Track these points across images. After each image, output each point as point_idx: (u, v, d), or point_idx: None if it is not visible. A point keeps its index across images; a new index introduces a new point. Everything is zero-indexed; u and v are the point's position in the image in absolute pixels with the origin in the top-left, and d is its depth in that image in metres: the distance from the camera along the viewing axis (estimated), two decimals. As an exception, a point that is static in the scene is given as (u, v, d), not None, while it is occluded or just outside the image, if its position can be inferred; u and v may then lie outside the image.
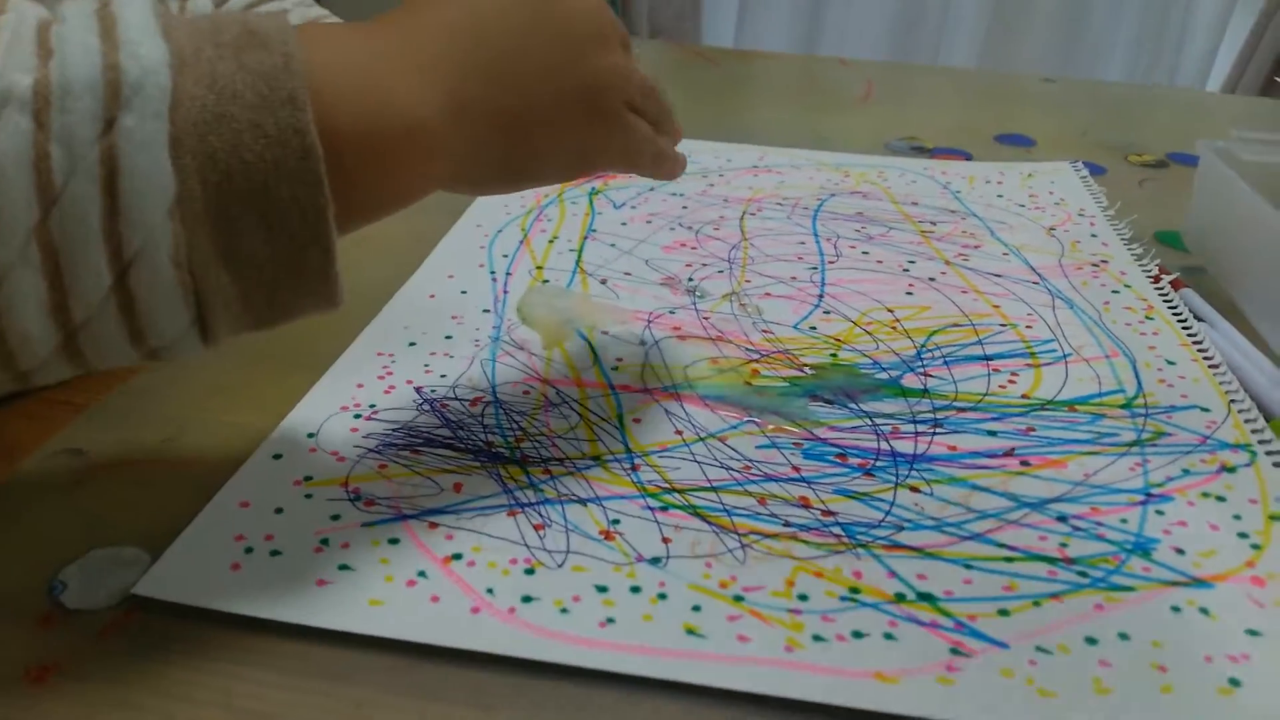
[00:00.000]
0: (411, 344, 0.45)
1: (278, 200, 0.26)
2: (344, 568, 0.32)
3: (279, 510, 0.34)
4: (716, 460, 0.38)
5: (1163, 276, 0.52)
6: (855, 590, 0.32)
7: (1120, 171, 0.70)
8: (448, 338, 0.46)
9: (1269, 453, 0.38)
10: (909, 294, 0.51)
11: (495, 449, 0.38)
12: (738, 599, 0.31)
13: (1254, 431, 0.40)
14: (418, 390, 0.42)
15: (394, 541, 0.33)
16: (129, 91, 0.25)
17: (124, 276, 0.26)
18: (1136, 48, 2.08)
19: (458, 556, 0.33)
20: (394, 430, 0.39)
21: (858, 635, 0.30)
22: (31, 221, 0.25)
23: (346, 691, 0.28)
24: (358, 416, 0.40)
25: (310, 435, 0.39)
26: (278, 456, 0.37)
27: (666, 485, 0.36)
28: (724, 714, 0.28)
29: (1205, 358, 0.45)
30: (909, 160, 0.69)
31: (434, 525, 0.34)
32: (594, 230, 0.57)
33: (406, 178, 0.30)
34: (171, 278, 0.26)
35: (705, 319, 0.48)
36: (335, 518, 0.34)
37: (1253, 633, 0.30)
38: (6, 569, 0.32)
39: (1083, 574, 0.33)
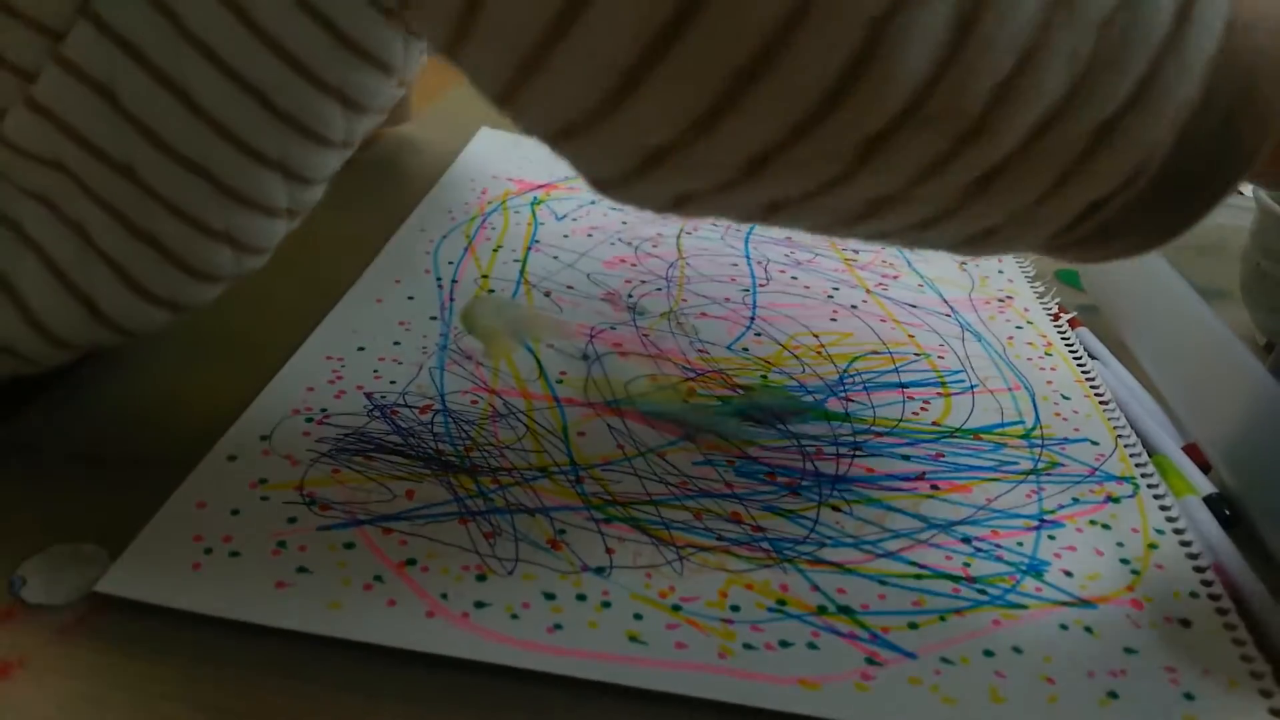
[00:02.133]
0: (360, 349, 0.46)
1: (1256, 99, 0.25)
2: (302, 570, 0.33)
3: (235, 512, 0.36)
4: (656, 475, 0.40)
5: (1062, 315, 0.57)
6: (782, 602, 0.35)
7: (1026, 209, 0.75)
8: (396, 344, 0.47)
9: (1150, 486, 0.43)
10: (833, 320, 0.54)
11: (445, 457, 0.40)
12: (676, 608, 0.34)
13: (1138, 465, 0.44)
14: (368, 396, 0.43)
15: (349, 546, 0.35)
16: None
17: (1129, 107, 0.24)
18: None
19: (412, 562, 0.34)
20: (346, 435, 0.40)
21: (784, 644, 0.33)
22: (1104, 11, 0.22)
23: (305, 689, 0.30)
24: (309, 420, 0.41)
25: (263, 438, 0.40)
26: (232, 458, 0.38)
27: (609, 498, 0.39)
28: (661, 714, 0.31)
29: (1097, 394, 0.49)
30: (834, 187, 0.73)
31: (388, 531, 0.36)
32: (537, 241, 0.59)
33: None
34: (1166, 121, 0.24)
35: (645, 336, 0.50)
36: (292, 520, 0.36)
37: (1130, 650, 0.34)
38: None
39: (982, 591, 0.36)
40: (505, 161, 0.69)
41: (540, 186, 0.66)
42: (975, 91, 0.22)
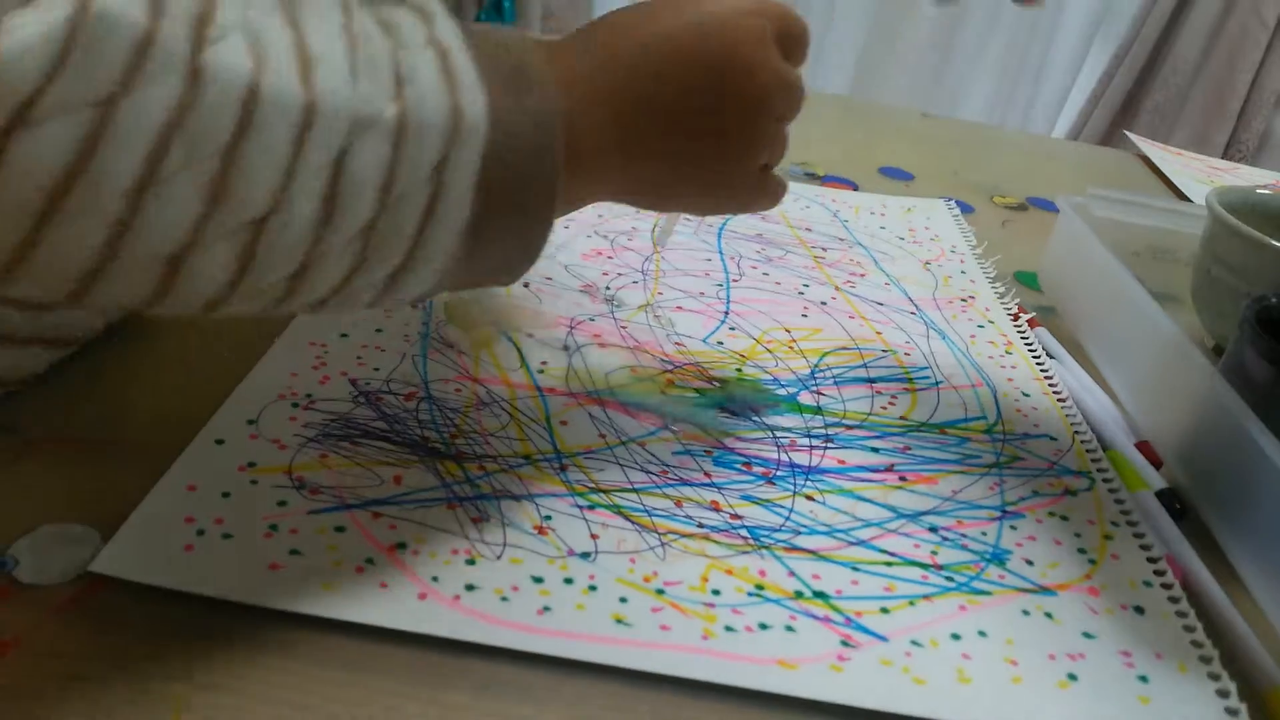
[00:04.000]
0: (343, 335, 0.47)
1: (524, 216, 0.32)
2: (294, 552, 0.34)
3: (226, 494, 0.36)
4: (637, 463, 0.42)
5: (1021, 315, 0.59)
6: (760, 587, 0.36)
7: (986, 211, 0.77)
8: (378, 330, 0.47)
9: (1105, 480, 0.45)
10: (804, 316, 0.56)
11: (431, 444, 0.40)
12: (659, 592, 0.35)
13: (1093, 460, 0.46)
14: (353, 383, 0.43)
15: (340, 529, 0.35)
16: (466, 134, 0.29)
17: (401, 270, 0.30)
18: (996, 84, 2.23)
19: (402, 545, 0.35)
20: (332, 421, 0.41)
21: (763, 627, 0.34)
22: (363, 223, 0.28)
23: (299, 667, 0.31)
24: (295, 405, 0.41)
25: (250, 422, 0.40)
26: (220, 442, 0.39)
27: (593, 485, 0.40)
28: (647, 694, 0.32)
29: (1055, 392, 0.51)
30: (802, 186, 0.75)
31: (377, 515, 0.36)
32: (513, 232, 0.59)
33: (586, 191, 0.36)
34: (430, 275, 0.31)
35: (623, 328, 0.51)
36: (282, 504, 0.36)
37: (1088, 635, 0.36)
38: (-48, 542, 0.33)
39: (949, 579, 0.38)
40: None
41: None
42: (272, 283, 0.28)
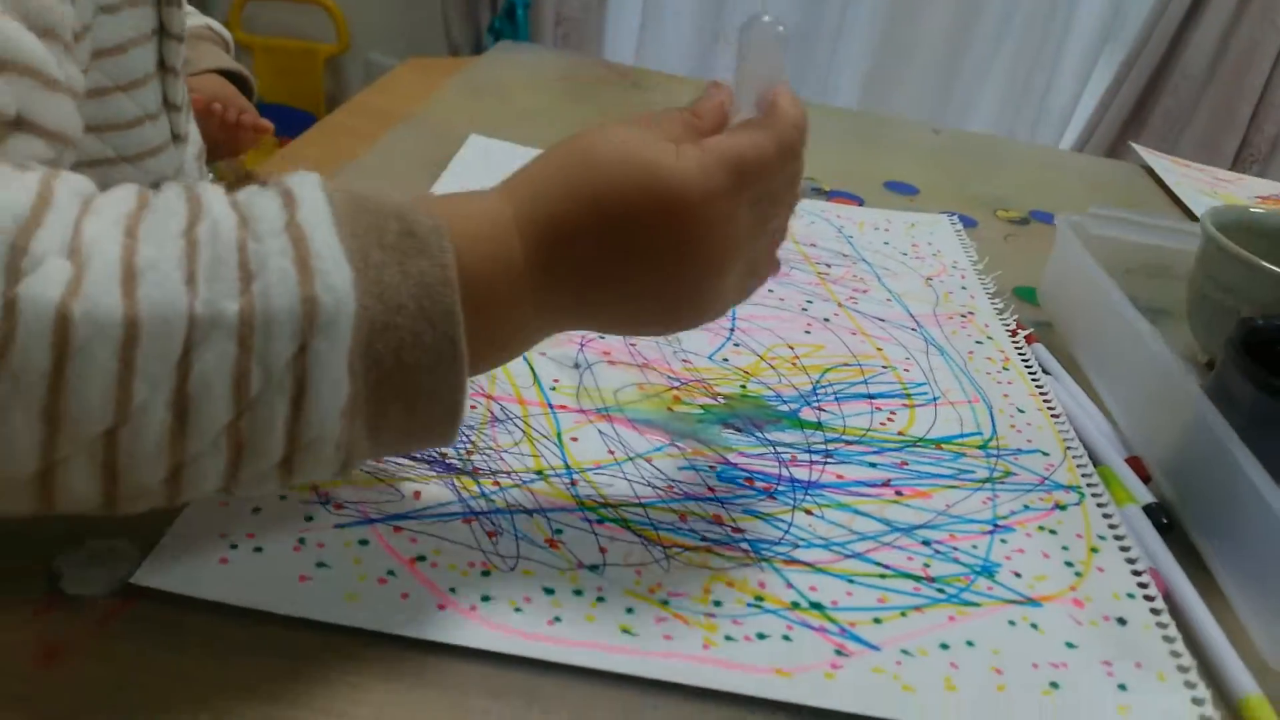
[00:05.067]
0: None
1: (426, 391, 0.31)
2: (321, 565, 0.36)
3: (256, 510, 0.38)
4: (644, 478, 0.44)
5: (1019, 331, 0.61)
6: (759, 598, 0.38)
7: (989, 225, 0.79)
8: (397, 350, 0.50)
9: (1094, 495, 0.47)
10: (807, 332, 0.58)
11: (449, 460, 0.43)
12: (664, 603, 0.37)
13: (1084, 476, 0.48)
14: (374, 400, 0.46)
15: (364, 543, 0.38)
16: (324, 321, 0.29)
17: (291, 457, 0.30)
18: (1005, 94, 2.25)
19: (422, 558, 0.37)
20: (354, 438, 0.43)
21: (761, 636, 0.36)
22: (225, 422, 0.29)
23: (331, 674, 0.33)
24: (320, 423, 0.44)
25: (277, 439, 0.42)
26: (249, 458, 0.41)
27: (602, 500, 0.42)
28: (653, 700, 0.34)
29: (1049, 408, 0.53)
30: (808, 202, 0.77)
31: (398, 529, 0.39)
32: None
33: (518, 344, 0.36)
34: (331, 455, 0.30)
35: (631, 345, 0.53)
36: (309, 519, 0.38)
37: (1070, 645, 0.38)
38: (6, 555, 0.35)
39: (940, 590, 0.40)
40: (492, 168, 0.71)
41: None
42: (149, 486, 0.29)
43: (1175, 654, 0.38)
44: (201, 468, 0.29)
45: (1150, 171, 1.00)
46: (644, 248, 0.34)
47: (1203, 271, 0.59)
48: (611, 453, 0.45)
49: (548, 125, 0.82)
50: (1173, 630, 0.39)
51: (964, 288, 0.66)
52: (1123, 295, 0.54)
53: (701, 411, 0.49)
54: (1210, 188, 0.98)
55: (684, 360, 0.53)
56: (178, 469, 0.29)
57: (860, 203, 0.79)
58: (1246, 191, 1.01)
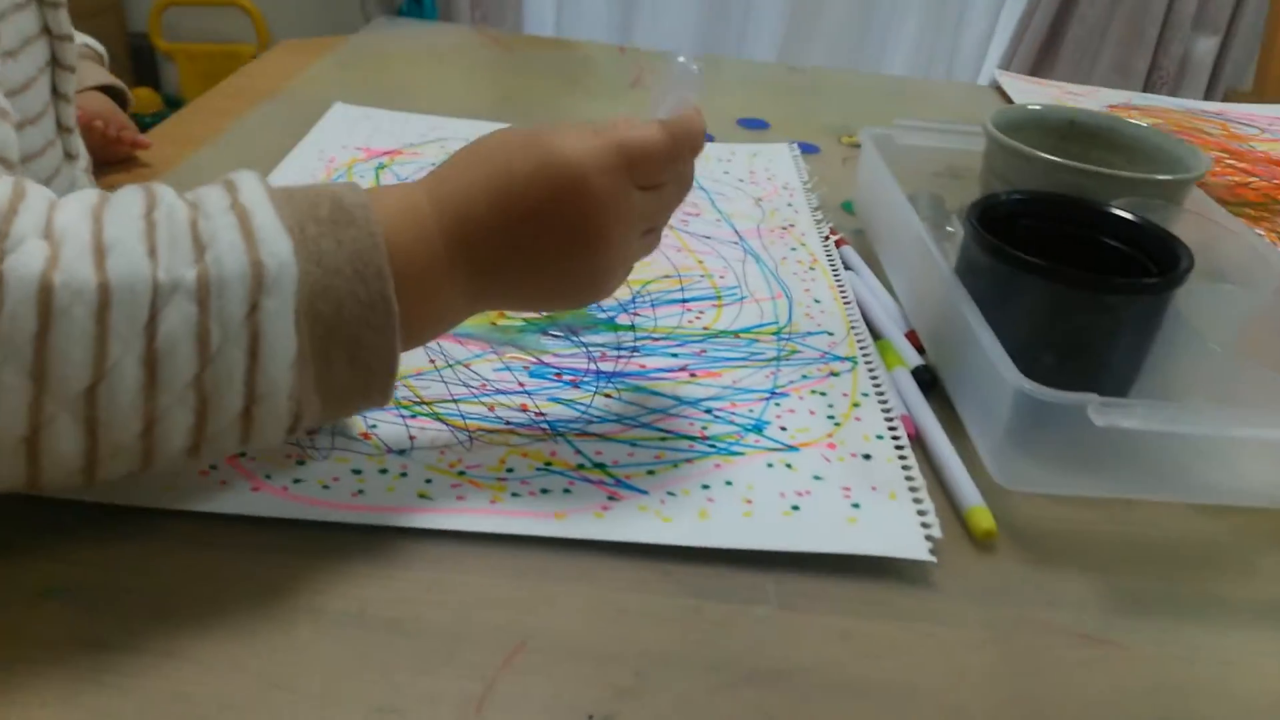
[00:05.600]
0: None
1: (365, 345, 0.36)
2: (156, 465, 0.42)
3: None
4: (460, 380, 0.49)
5: (831, 236, 0.67)
6: (548, 464, 0.44)
7: (831, 150, 0.85)
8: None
9: (866, 362, 0.53)
10: (634, 252, 0.63)
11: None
12: (461, 474, 0.43)
13: (862, 349, 0.54)
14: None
15: (196, 445, 0.43)
16: (270, 282, 0.33)
17: (250, 408, 0.34)
18: (919, 34, 2.31)
19: (243, 454, 0.43)
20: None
21: (545, 491, 0.42)
22: (190, 376, 0.33)
23: (161, 545, 0.38)
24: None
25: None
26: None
27: (417, 399, 0.47)
28: (445, 548, 0.40)
29: (843, 296, 0.59)
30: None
31: (229, 433, 0.44)
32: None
33: (442, 317, 0.40)
34: (285, 407, 0.35)
35: (463, 274, 0.59)
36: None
37: (817, 477, 0.44)
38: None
39: (712, 446, 0.46)
40: (355, 132, 0.77)
41: (386, 153, 0.74)
42: (127, 444, 0.33)
43: (909, 479, 0.44)
44: (173, 420, 0.33)
45: (1000, 92, 1.06)
46: (546, 222, 0.39)
47: (987, 167, 0.65)
48: (432, 361, 0.51)
49: (418, 93, 0.87)
50: (911, 460, 0.46)
51: (790, 204, 0.72)
52: (901, 193, 0.60)
53: (523, 323, 0.55)
54: (1058, 99, 1.05)
55: (512, 282, 0.58)
56: (150, 424, 0.33)
57: (710, 139, 0.84)
58: (1100, 102, 1.08)
